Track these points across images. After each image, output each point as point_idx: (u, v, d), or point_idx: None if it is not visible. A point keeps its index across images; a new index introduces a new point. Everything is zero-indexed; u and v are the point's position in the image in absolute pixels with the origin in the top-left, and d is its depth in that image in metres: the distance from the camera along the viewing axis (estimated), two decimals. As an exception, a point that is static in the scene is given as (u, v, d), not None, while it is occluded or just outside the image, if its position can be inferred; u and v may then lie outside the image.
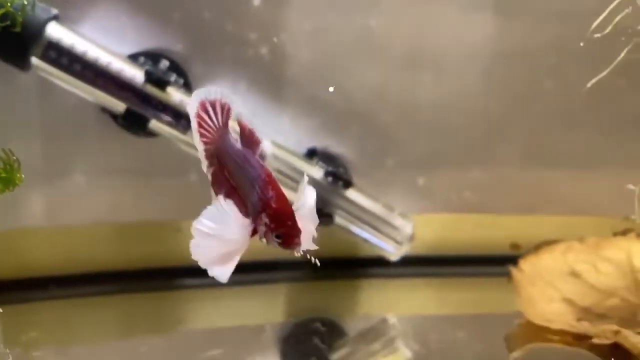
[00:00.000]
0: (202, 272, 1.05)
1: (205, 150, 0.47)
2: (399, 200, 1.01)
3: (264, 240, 0.42)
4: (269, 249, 1.04)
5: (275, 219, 0.42)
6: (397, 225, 0.95)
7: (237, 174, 0.45)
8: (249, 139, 0.47)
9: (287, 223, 0.42)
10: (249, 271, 0.99)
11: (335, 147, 0.99)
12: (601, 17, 0.81)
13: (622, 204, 1.11)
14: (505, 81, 1.04)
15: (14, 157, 0.61)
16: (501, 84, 1.04)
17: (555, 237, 0.96)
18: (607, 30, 0.81)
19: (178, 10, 0.91)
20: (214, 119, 0.46)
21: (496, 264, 0.98)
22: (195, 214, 1.04)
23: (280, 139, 0.94)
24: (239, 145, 0.47)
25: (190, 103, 0.46)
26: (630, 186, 0.70)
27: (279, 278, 1.02)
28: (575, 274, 0.90)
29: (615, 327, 0.71)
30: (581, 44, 0.87)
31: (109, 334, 0.91)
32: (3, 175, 0.60)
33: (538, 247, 0.95)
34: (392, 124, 1.02)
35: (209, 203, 1.04)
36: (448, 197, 1.05)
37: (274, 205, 0.42)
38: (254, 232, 0.43)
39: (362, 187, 0.96)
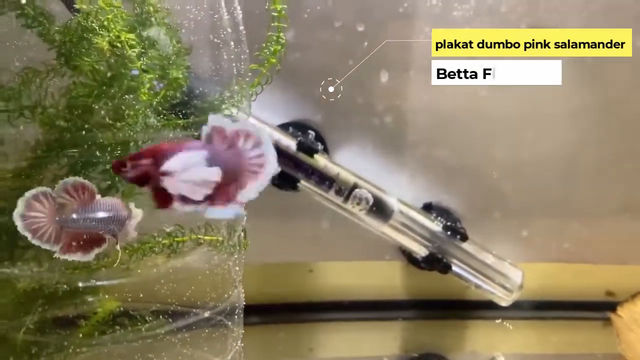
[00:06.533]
0: (331, 308, 1.21)
1: None
2: (505, 250, 1.12)
3: None
4: (390, 291, 1.18)
5: None
6: (508, 274, 1.06)
7: None
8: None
9: None
10: (371, 309, 1.14)
11: (448, 201, 1.13)
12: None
13: None
14: (600, 140, 1.14)
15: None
16: (596, 142, 1.14)
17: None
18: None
19: (319, 86, 1.08)
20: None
21: (592, 309, 1.08)
22: (325, 257, 1.20)
23: (400, 194, 1.08)
24: None
25: None
26: None
27: (395, 316, 1.16)
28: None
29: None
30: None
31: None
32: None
33: (635, 295, 1.05)
34: (498, 180, 1.15)
35: (338, 248, 1.19)
36: (549, 247, 1.17)
37: None
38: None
39: (474, 238, 1.08)
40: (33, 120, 0.69)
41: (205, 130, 0.56)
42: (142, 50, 0.62)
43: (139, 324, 0.63)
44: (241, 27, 0.61)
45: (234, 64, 0.63)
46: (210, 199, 0.55)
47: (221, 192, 0.56)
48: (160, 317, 0.64)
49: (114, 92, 0.67)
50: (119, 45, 0.63)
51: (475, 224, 1.12)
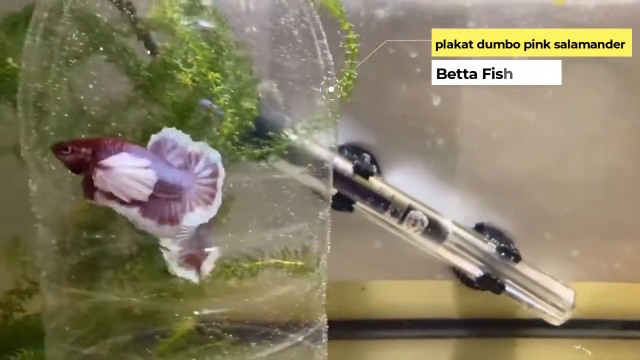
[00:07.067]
0: (383, 326, 1.23)
1: None
2: (556, 270, 1.14)
3: None
4: (442, 309, 1.20)
5: None
6: (560, 294, 1.08)
7: None
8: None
9: None
10: (423, 327, 1.16)
11: (499, 222, 1.15)
12: None
13: None
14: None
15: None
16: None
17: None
18: None
19: (374, 111, 1.11)
20: None
21: (644, 328, 1.08)
22: (377, 276, 1.22)
23: (452, 215, 1.10)
24: None
25: None
26: None
27: (448, 334, 1.18)
28: None
29: None
30: None
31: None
32: None
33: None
34: (548, 201, 1.16)
35: (390, 267, 1.21)
36: (600, 267, 1.18)
37: None
38: None
39: (525, 258, 1.10)
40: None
41: (154, 138, 0.56)
42: (223, 87, 0.66)
43: (226, 346, 0.66)
44: (330, 72, 0.65)
45: (323, 101, 0.67)
46: (143, 209, 0.54)
47: (159, 207, 0.54)
48: (258, 341, 0.68)
49: (193, 123, 0.71)
50: (201, 81, 0.66)
51: (526, 244, 1.13)
